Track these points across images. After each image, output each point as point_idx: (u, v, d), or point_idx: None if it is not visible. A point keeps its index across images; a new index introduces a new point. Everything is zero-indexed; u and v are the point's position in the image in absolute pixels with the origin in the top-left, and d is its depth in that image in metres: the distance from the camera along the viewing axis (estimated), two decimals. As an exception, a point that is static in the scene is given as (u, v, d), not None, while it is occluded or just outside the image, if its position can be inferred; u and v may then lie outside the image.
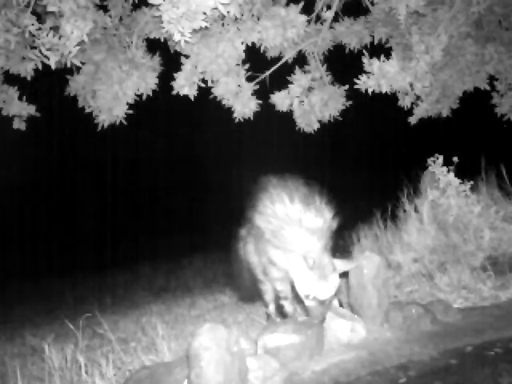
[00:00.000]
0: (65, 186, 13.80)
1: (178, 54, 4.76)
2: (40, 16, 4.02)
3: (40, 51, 3.81)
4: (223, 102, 5.05)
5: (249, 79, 5.10)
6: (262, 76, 5.18)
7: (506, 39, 5.27)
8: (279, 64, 5.18)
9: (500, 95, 5.47)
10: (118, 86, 4.63)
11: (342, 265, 2.71)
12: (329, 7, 5.10)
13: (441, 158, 4.45)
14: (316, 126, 5.32)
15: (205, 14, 3.43)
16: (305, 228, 2.65)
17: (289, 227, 2.69)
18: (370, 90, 4.55)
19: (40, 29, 3.79)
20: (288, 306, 3.07)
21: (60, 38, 3.69)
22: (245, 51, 4.75)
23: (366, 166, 13.77)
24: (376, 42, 5.23)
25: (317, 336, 2.59)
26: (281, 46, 4.99)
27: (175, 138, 14.49)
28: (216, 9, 3.49)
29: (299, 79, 5.21)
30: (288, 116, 5.35)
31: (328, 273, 2.62)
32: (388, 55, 4.58)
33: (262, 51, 4.95)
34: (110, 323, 4.04)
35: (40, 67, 4.06)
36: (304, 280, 2.64)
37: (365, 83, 4.51)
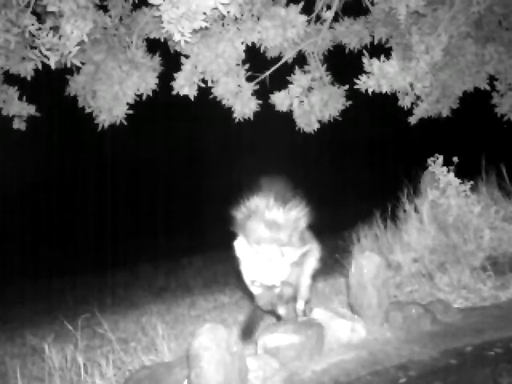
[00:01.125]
0: (65, 185, 13.80)
1: (178, 54, 4.76)
2: (40, 16, 4.02)
3: (40, 51, 3.81)
4: (223, 102, 5.05)
5: (249, 79, 5.10)
6: (262, 76, 5.18)
7: (506, 39, 5.27)
8: (279, 64, 5.17)
9: (500, 95, 5.47)
10: (118, 86, 4.63)
11: (291, 251, 2.68)
12: (329, 7, 5.10)
13: (441, 158, 4.45)
14: (316, 126, 5.32)
15: (205, 14, 3.43)
16: (264, 220, 2.70)
17: (251, 219, 2.74)
18: (370, 90, 4.55)
19: (40, 29, 3.78)
20: (281, 310, 3.05)
21: (60, 37, 3.68)
22: (245, 51, 4.75)
23: (366, 166, 13.77)
24: (376, 42, 5.23)
25: (317, 336, 2.59)
26: (281, 46, 4.99)
27: (176, 139, 14.50)
28: (216, 9, 3.49)
29: (299, 79, 5.21)
30: (288, 116, 5.35)
31: (273, 257, 2.60)
32: (388, 55, 4.58)
33: (262, 51, 4.95)
34: (110, 323, 4.04)
35: (40, 67, 4.06)
36: (249, 265, 2.64)
37: (365, 83, 4.51)
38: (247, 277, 2.68)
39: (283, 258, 2.63)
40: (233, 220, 2.89)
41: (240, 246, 2.66)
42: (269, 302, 2.65)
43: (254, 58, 5.06)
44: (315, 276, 3.31)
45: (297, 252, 2.69)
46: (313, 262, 3.19)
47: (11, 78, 4.32)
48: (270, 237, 2.65)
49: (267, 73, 5.17)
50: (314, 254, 3.18)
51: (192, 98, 4.78)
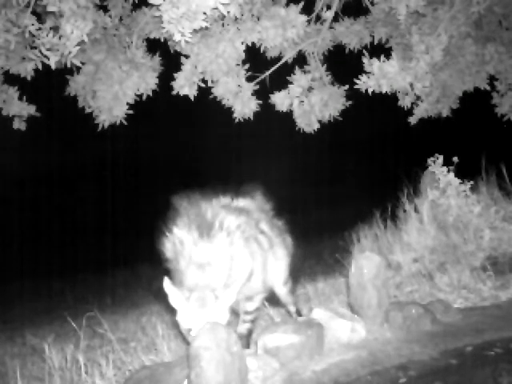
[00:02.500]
0: (65, 185, 13.80)
1: (178, 54, 4.77)
2: (40, 16, 4.02)
3: (40, 51, 3.81)
4: (223, 102, 5.05)
5: (249, 79, 5.11)
6: (262, 76, 5.18)
7: (506, 39, 5.27)
8: (279, 64, 5.18)
9: (500, 95, 5.48)
10: (118, 85, 4.63)
11: (225, 293, 2.43)
12: (329, 7, 5.10)
13: (441, 158, 4.45)
14: (316, 126, 5.32)
15: (205, 13, 3.43)
16: (193, 262, 2.43)
17: (180, 257, 2.48)
18: (370, 90, 4.55)
19: (40, 29, 3.78)
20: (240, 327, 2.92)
21: (60, 37, 3.68)
22: (245, 51, 4.76)
23: (366, 166, 13.76)
24: (376, 42, 5.24)
25: (317, 336, 2.59)
26: (281, 46, 5.00)
27: (175, 138, 14.49)
28: (216, 9, 3.49)
29: (299, 79, 5.21)
30: (288, 116, 5.35)
31: (208, 303, 2.37)
32: (388, 55, 4.58)
33: (262, 51, 4.95)
34: (110, 323, 4.04)
35: (40, 67, 4.06)
36: (183, 313, 2.40)
37: (365, 83, 4.51)
38: (183, 326, 2.42)
39: (218, 302, 2.40)
40: (162, 257, 2.62)
41: (168, 291, 2.39)
42: None
43: (254, 58, 5.06)
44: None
45: (231, 293, 2.44)
46: (281, 268, 3.02)
47: (11, 78, 4.32)
48: (202, 281, 2.40)
49: (267, 73, 5.17)
50: (281, 259, 3.00)
51: (192, 98, 4.79)
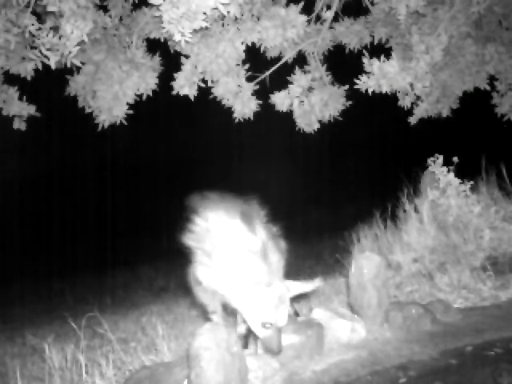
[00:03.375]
0: (65, 185, 13.80)
1: (178, 54, 4.77)
2: (40, 16, 4.02)
3: (40, 51, 3.81)
4: (223, 102, 5.05)
5: (249, 79, 5.11)
6: (262, 76, 5.18)
7: (506, 39, 5.27)
8: (279, 64, 5.18)
9: (500, 95, 5.48)
10: (118, 85, 4.64)
11: (296, 287, 2.45)
12: (329, 7, 5.10)
13: (441, 158, 4.45)
14: (316, 126, 5.32)
15: (205, 14, 3.43)
16: (246, 249, 2.38)
17: (227, 248, 2.41)
18: (370, 90, 4.55)
19: (40, 29, 3.78)
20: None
21: (60, 37, 3.68)
22: (245, 51, 4.76)
23: (366, 166, 13.77)
24: (376, 42, 5.24)
25: (317, 336, 2.59)
26: (281, 46, 5.00)
27: (175, 139, 14.50)
28: (216, 9, 3.49)
29: (299, 79, 5.21)
30: (288, 116, 5.35)
31: (285, 296, 2.37)
32: (388, 55, 4.58)
33: (262, 51, 4.95)
34: (110, 323, 4.03)
35: (40, 67, 4.06)
36: (261, 306, 2.34)
37: (365, 83, 4.51)
38: (257, 320, 2.37)
39: (289, 294, 2.41)
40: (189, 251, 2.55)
41: (246, 289, 2.34)
42: (279, 344, 2.36)
43: (254, 58, 5.07)
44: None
45: (303, 287, 2.46)
46: None
47: (11, 78, 4.33)
48: (267, 268, 2.36)
49: (267, 73, 5.17)
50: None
51: (192, 98, 4.79)
